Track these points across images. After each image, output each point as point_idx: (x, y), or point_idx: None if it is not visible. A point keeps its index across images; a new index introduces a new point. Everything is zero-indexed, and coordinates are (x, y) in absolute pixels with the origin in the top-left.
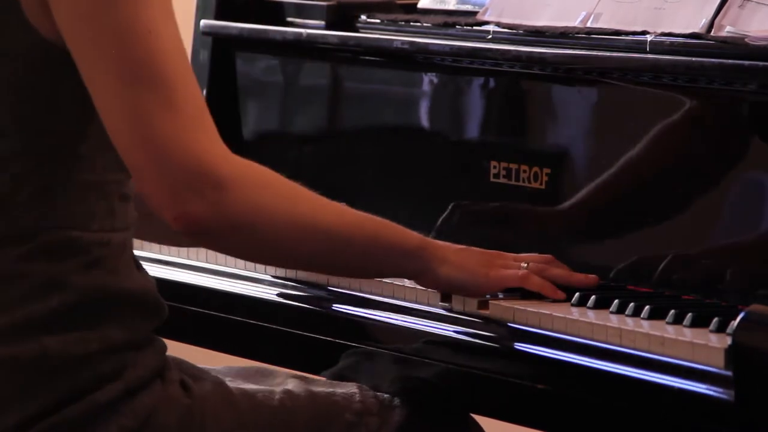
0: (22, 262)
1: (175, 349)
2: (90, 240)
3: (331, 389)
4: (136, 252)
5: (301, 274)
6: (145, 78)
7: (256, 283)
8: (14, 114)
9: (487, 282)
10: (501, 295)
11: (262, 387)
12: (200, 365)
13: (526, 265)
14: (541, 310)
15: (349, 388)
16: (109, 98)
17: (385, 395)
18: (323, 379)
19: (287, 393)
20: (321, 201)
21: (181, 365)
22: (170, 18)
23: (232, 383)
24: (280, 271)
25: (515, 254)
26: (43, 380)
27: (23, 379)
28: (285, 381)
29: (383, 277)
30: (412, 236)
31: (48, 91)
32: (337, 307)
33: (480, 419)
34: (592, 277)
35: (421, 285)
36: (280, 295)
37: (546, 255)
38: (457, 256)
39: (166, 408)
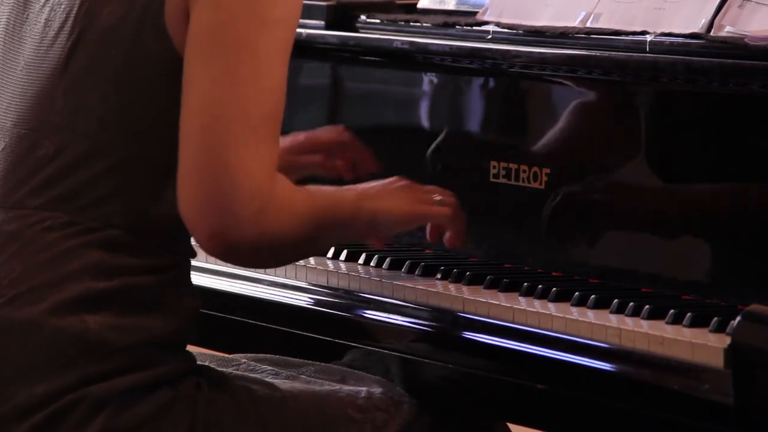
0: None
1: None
2: (166, 250)
3: (338, 386)
4: None
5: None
6: (240, 100)
7: (255, 282)
8: (125, 113)
9: (414, 220)
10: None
11: (267, 381)
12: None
13: (440, 197)
14: (541, 311)
15: (360, 384)
16: (196, 102)
17: (396, 390)
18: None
19: (289, 391)
20: (316, 203)
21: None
22: (287, 55)
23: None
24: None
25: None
26: (81, 358)
27: (62, 351)
28: (298, 377)
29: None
30: (347, 201)
31: (163, 99)
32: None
33: None
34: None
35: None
36: (294, 296)
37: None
38: (383, 203)
39: (181, 403)
